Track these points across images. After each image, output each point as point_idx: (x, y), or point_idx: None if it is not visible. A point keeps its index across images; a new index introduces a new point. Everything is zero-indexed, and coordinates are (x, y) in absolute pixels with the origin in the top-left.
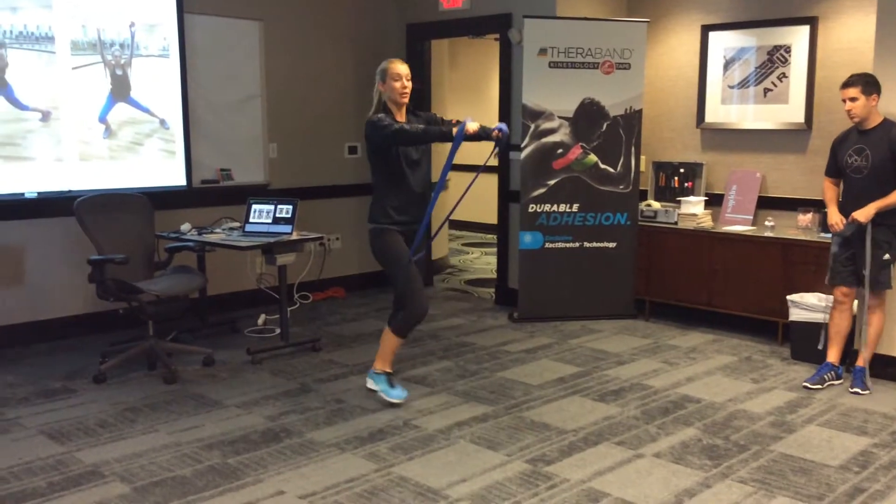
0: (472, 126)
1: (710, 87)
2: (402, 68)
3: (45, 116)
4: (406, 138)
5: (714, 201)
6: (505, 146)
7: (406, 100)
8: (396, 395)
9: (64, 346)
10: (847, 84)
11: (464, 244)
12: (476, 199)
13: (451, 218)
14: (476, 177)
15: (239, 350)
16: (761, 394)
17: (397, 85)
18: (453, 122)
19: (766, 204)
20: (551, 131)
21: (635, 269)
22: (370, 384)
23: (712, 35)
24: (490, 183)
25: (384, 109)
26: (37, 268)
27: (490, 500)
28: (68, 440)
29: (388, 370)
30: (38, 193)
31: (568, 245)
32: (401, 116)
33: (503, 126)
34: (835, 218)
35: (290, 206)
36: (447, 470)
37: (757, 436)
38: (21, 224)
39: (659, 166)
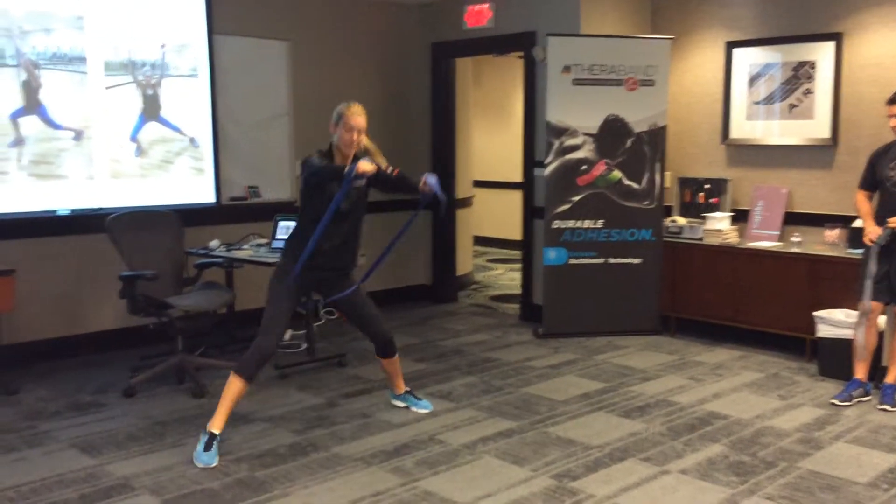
0: (364, 166)
1: (735, 103)
2: (359, 120)
3: (78, 135)
4: (311, 173)
5: (740, 217)
6: (433, 203)
7: (352, 153)
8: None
9: (95, 361)
10: (893, 100)
11: (488, 260)
12: (500, 215)
13: (476, 234)
14: (396, 238)
15: (267, 365)
16: (789, 410)
17: (347, 137)
18: (395, 171)
19: (793, 220)
20: (575, 148)
21: (660, 285)
22: (397, 402)
23: (737, 51)
24: (514, 199)
25: (328, 152)
26: (69, 284)
27: None
28: (99, 453)
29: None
30: (71, 210)
31: (592, 261)
32: (345, 162)
33: (431, 178)
34: (872, 228)
35: None
36: (472, 485)
37: (784, 452)
38: (54, 241)
39: (684, 182)
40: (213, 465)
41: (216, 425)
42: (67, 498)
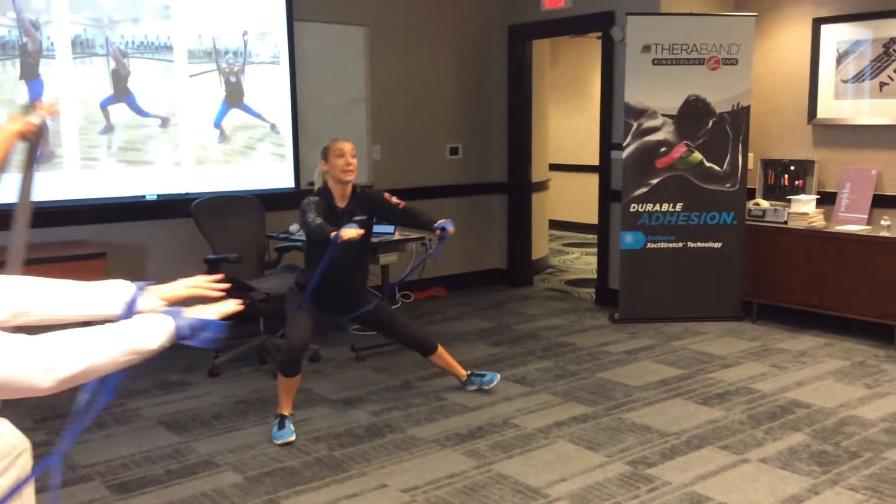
0: (347, 233)
1: (823, 82)
2: (345, 145)
3: (165, 122)
4: (304, 228)
5: (826, 200)
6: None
7: (350, 178)
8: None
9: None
10: None
11: (564, 244)
12: (576, 199)
13: (552, 218)
14: (418, 266)
15: (343, 347)
16: (875, 399)
17: (340, 162)
18: (401, 205)
19: (882, 202)
20: (654, 129)
21: (742, 269)
22: (468, 388)
23: (824, 28)
24: (591, 182)
25: (325, 190)
26: (157, 266)
27: (589, 500)
28: (185, 430)
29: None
30: (158, 196)
31: (671, 245)
32: (342, 199)
33: (446, 225)
34: None
35: None
36: (546, 469)
37: (869, 442)
38: (142, 225)
39: (768, 164)
40: (291, 439)
41: (284, 409)
42: (154, 473)
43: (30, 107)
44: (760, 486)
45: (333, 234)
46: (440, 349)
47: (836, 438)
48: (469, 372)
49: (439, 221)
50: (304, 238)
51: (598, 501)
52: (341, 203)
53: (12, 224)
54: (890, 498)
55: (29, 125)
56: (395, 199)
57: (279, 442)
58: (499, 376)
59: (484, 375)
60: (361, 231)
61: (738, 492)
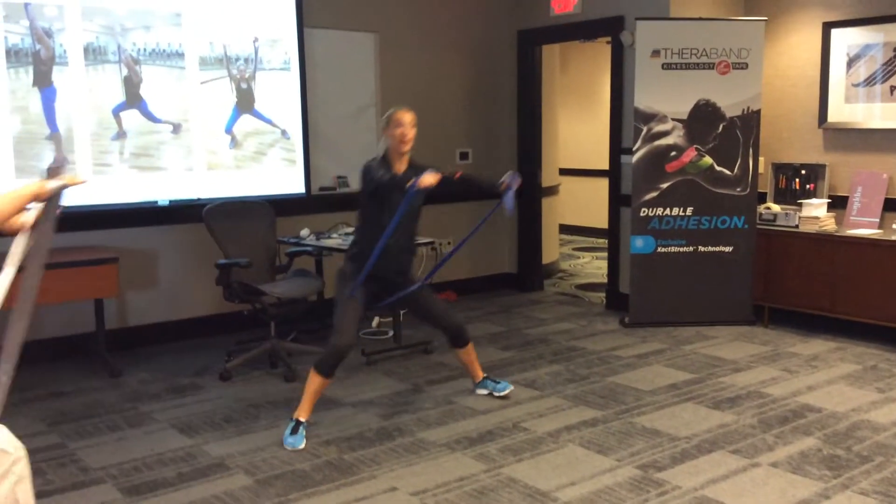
0: (427, 179)
1: (833, 86)
2: (405, 116)
3: (176, 129)
4: (372, 184)
5: (837, 204)
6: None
7: (406, 148)
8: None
9: (193, 346)
10: None
11: (574, 248)
12: (586, 203)
13: (562, 222)
14: (479, 227)
15: (354, 351)
16: (887, 403)
17: (398, 132)
18: (456, 175)
19: (894, 206)
20: (664, 134)
21: (753, 273)
22: (479, 391)
23: (835, 32)
24: (601, 187)
25: (383, 157)
26: (169, 271)
27: None
28: (196, 434)
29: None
30: (170, 201)
31: (681, 249)
32: (400, 166)
33: (508, 180)
34: None
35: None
36: (556, 473)
37: (881, 447)
38: (155, 230)
39: (778, 168)
40: (300, 447)
41: (302, 413)
42: (166, 476)
43: (53, 170)
44: (771, 491)
45: (411, 182)
46: (471, 344)
47: (848, 443)
48: (486, 375)
49: (503, 177)
50: (314, 244)
51: None
52: (399, 168)
53: (25, 273)
54: None
55: (45, 190)
56: (449, 170)
57: (288, 448)
58: (512, 387)
59: (499, 382)
60: (439, 175)
61: (748, 496)
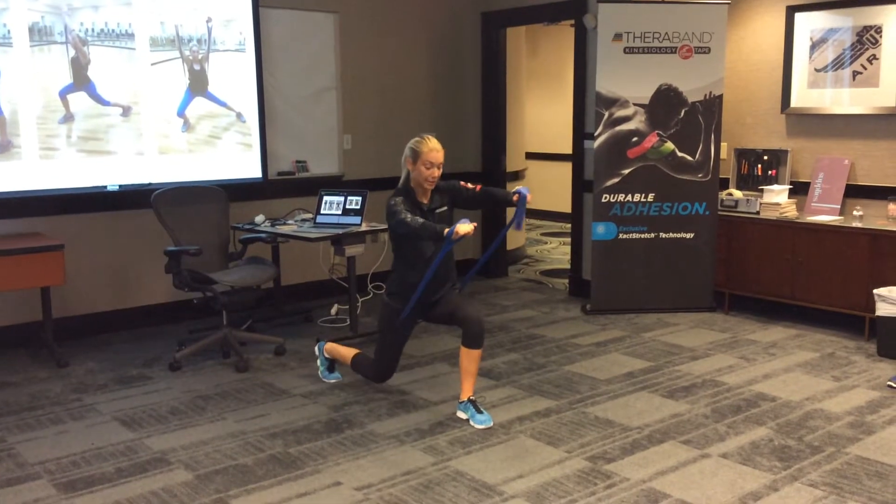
0: (464, 229)
1: (796, 71)
2: (437, 156)
3: (126, 111)
4: (404, 230)
5: (799, 190)
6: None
7: (430, 187)
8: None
9: (145, 334)
10: None
11: (542, 234)
12: (555, 188)
13: (530, 207)
14: (498, 243)
15: (310, 339)
16: (842, 392)
17: (427, 173)
18: (477, 188)
19: (855, 192)
20: (626, 119)
21: (715, 260)
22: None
23: (798, 16)
24: (569, 171)
25: (406, 189)
26: (119, 258)
27: (545, 497)
28: (139, 427)
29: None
30: (120, 186)
31: (643, 235)
32: (424, 196)
33: (522, 191)
34: None
35: (360, 198)
36: (504, 465)
37: (833, 437)
38: (104, 216)
39: (741, 153)
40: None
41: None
42: (104, 471)
43: None
44: (719, 482)
45: (447, 230)
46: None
47: (800, 433)
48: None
49: (515, 188)
50: (268, 230)
51: (555, 499)
52: (424, 199)
53: None
54: (849, 494)
55: None
56: (470, 185)
57: (482, 426)
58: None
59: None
60: (474, 224)
61: (696, 488)
